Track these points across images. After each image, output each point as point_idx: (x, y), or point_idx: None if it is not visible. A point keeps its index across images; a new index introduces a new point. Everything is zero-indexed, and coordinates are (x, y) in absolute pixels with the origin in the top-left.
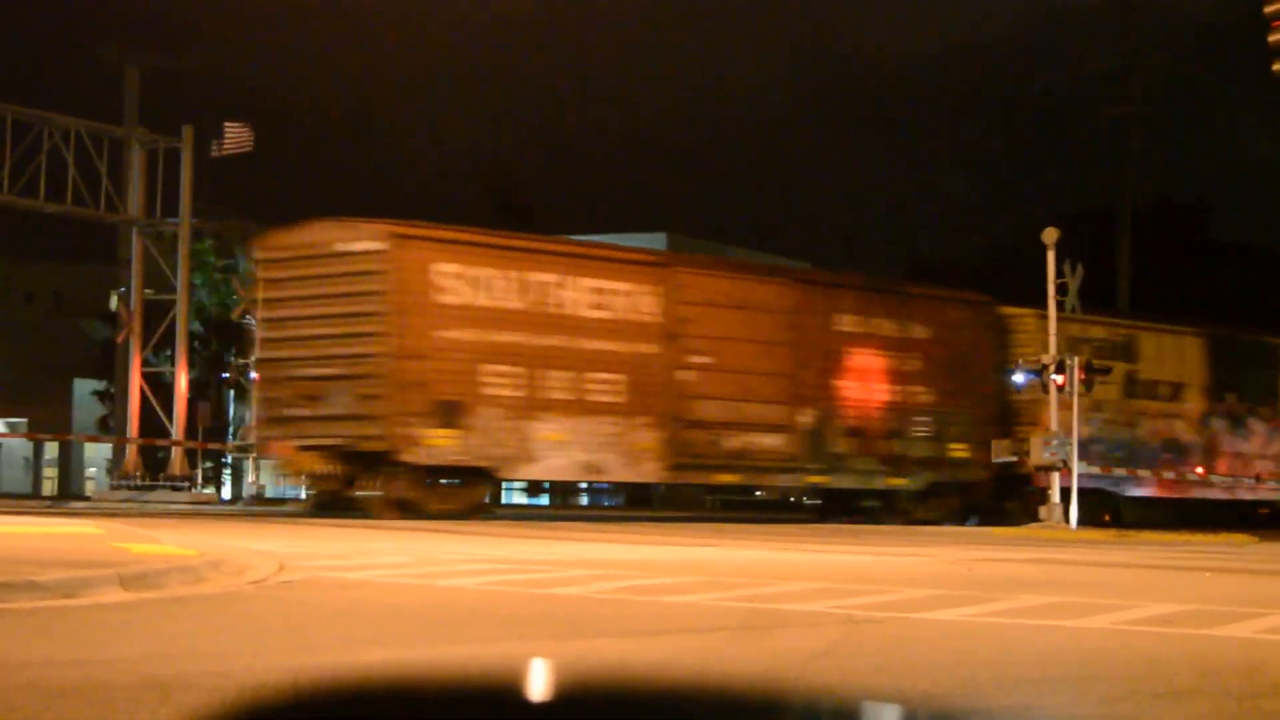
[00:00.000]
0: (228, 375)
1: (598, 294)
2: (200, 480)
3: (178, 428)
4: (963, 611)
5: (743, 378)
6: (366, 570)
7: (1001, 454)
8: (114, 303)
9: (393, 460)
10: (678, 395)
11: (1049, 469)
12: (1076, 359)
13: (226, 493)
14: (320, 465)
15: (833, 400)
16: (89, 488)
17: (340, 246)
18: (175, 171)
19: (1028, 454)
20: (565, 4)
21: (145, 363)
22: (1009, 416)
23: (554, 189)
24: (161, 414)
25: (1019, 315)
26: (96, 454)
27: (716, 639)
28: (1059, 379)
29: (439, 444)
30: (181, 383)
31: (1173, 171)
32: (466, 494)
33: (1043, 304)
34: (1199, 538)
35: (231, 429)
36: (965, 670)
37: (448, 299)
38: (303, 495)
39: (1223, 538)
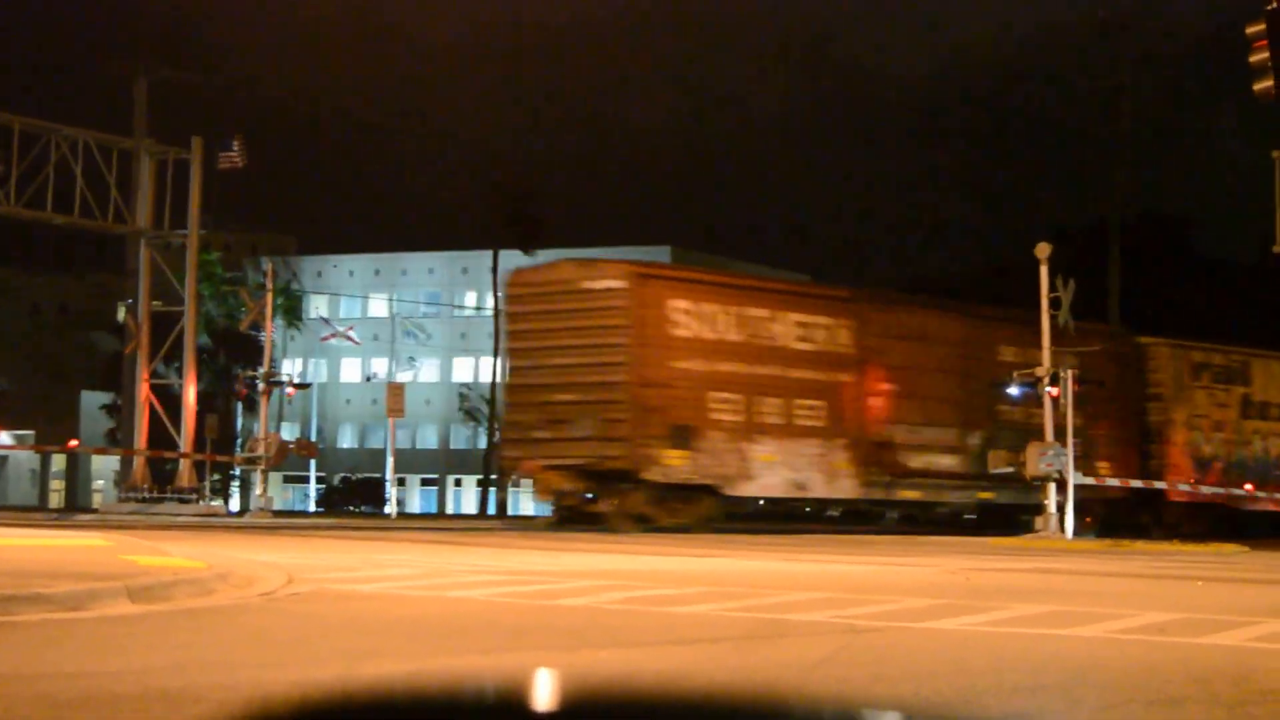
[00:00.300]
0: (236, 387)
1: (802, 327)
2: (208, 492)
3: (186, 440)
4: (961, 621)
5: (922, 403)
6: (375, 582)
7: (999, 465)
8: (121, 314)
9: (634, 478)
10: (868, 419)
11: (1045, 480)
12: (1070, 371)
13: (234, 505)
14: (564, 483)
15: (996, 423)
16: (96, 500)
17: (586, 284)
18: (184, 183)
19: (1024, 464)
20: (570, 20)
21: (153, 374)
22: (1146, 437)
23: (561, 201)
24: (169, 426)
25: (1152, 344)
26: (104, 466)
27: (721, 649)
28: (1053, 390)
29: (673, 464)
30: (189, 395)
31: (1161, 187)
32: (694, 508)
33: (1169, 334)
34: (1190, 548)
35: (239, 441)
36: (963, 678)
37: (680, 332)
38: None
39: (1213, 548)
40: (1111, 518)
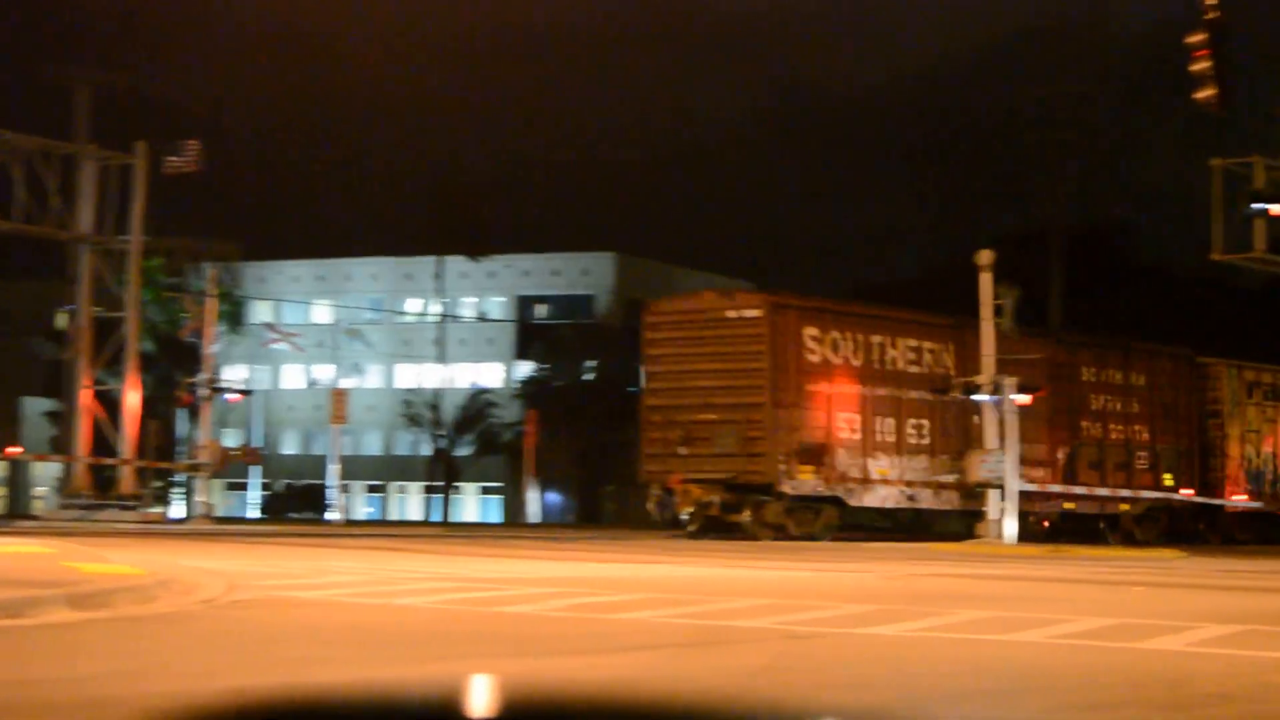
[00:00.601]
0: (178, 394)
1: (913, 352)
2: (150, 499)
3: (128, 446)
4: (901, 626)
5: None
6: (318, 589)
7: (940, 472)
8: (62, 321)
9: (770, 491)
10: (968, 436)
11: (986, 487)
12: (1011, 379)
13: (177, 512)
14: (705, 495)
15: (1079, 439)
16: (38, 507)
17: (727, 313)
18: (127, 189)
19: (965, 471)
20: (518, 25)
21: (95, 381)
22: (1207, 450)
23: (505, 208)
24: (111, 433)
25: (1212, 364)
26: (46, 473)
27: (664, 655)
28: (995, 398)
29: (804, 478)
30: (131, 401)
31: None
32: (821, 519)
33: (1226, 354)
34: (1130, 553)
35: (181, 447)
36: (903, 684)
37: (811, 357)
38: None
39: (1153, 554)
40: (1175, 525)
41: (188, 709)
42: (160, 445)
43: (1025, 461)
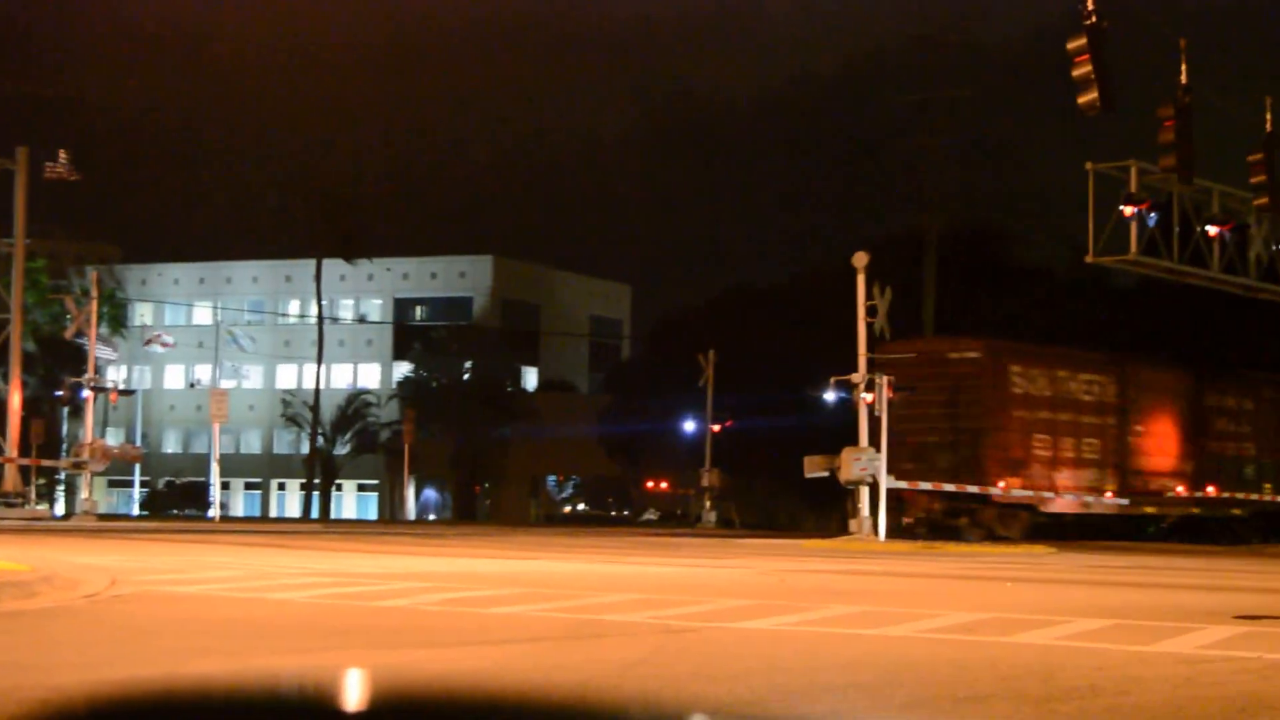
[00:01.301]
0: (61, 393)
1: (1087, 384)
2: (34, 496)
3: (10, 445)
4: (775, 620)
5: (1158, 440)
6: (199, 584)
7: (814, 469)
8: None
9: (983, 500)
10: (1127, 453)
11: (858, 484)
12: (885, 378)
13: (60, 509)
14: (930, 503)
15: (1205, 454)
16: None
17: (951, 355)
18: (8, 193)
19: (839, 469)
20: (399, 31)
21: None
22: None
23: (385, 211)
24: None
25: None
26: None
27: (539, 649)
28: (868, 397)
29: (1010, 488)
30: (15, 401)
31: (982, 198)
32: (1020, 522)
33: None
34: (1001, 549)
35: (65, 446)
36: (776, 677)
37: (1015, 390)
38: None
39: (1023, 549)
40: (1269, 527)
41: (70, 700)
42: (44, 444)
43: (1165, 475)
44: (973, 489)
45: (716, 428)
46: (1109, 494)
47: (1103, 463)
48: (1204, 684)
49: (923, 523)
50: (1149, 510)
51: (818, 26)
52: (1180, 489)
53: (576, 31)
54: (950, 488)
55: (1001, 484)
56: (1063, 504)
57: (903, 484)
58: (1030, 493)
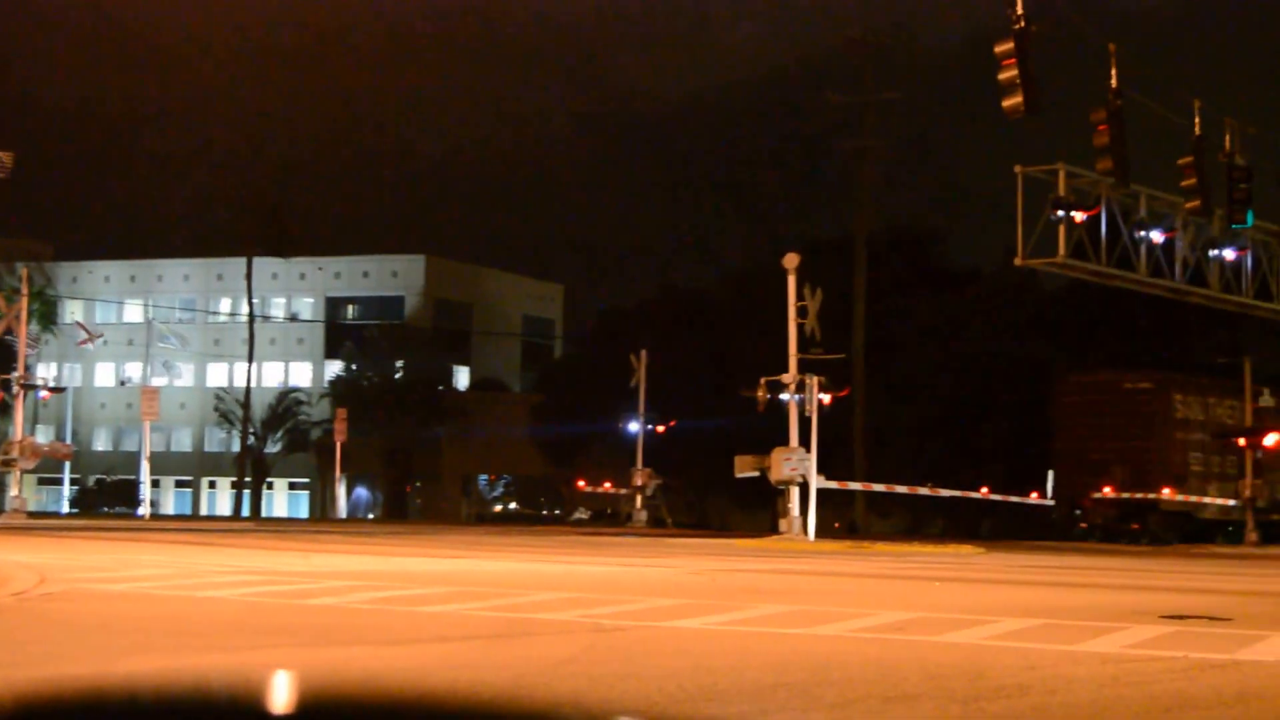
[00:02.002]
0: None
1: (1229, 408)
2: None
3: None
4: (705, 620)
5: (1272, 455)
6: (129, 582)
7: (745, 469)
8: None
9: (1155, 507)
10: (1259, 466)
11: (789, 484)
12: (815, 379)
13: None
14: (1106, 510)
15: None
16: None
17: (1124, 385)
18: None
19: (769, 469)
20: (334, 28)
21: None
22: None
23: (317, 210)
24: None
25: None
26: None
27: (470, 647)
28: (798, 398)
29: (1172, 498)
30: None
31: (913, 202)
32: (1178, 527)
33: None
34: (930, 549)
35: None
36: (706, 676)
37: (1178, 414)
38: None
39: (951, 549)
40: None
41: None
42: None
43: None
44: (1143, 498)
45: (661, 429)
46: (1233, 501)
47: (1234, 476)
48: (1130, 683)
49: (1097, 528)
50: (1274, 519)
51: (754, 30)
52: None
53: (513, 34)
54: (1119, 496)
55: (1166, 492)
56: (1212, 512)
57: (833, 484)
58: (1183, 502)
